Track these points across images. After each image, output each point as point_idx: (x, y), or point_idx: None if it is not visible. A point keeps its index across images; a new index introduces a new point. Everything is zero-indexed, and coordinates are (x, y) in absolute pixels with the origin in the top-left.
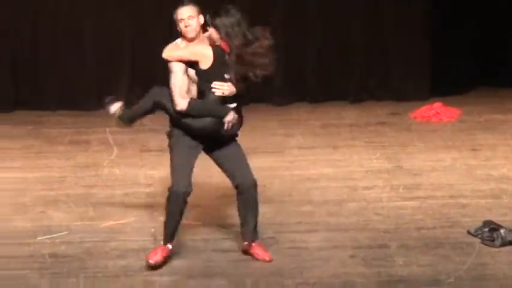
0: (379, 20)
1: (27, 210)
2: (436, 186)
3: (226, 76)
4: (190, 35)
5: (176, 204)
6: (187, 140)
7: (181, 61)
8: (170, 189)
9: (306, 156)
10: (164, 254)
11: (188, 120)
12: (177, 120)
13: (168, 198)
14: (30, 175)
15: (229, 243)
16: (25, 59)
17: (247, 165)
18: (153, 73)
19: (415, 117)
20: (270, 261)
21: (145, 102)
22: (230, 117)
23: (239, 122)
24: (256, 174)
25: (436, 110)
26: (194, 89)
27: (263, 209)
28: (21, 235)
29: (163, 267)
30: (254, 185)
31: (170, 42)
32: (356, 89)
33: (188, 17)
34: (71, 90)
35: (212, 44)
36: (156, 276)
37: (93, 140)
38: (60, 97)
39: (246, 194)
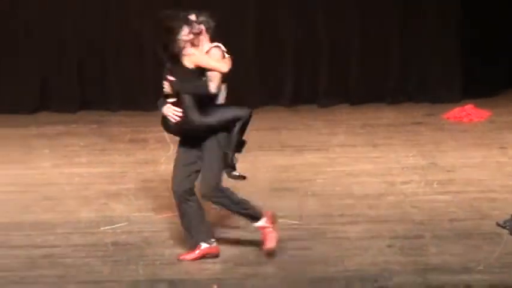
0: (416, 27)
1: (91, 203)
2: (468, 182)
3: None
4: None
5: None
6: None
7: None
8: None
9: (348, 153)
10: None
11: None
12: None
13: None
14: (94, 170)
15: (279, 232)
16: (91, 63)
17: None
18: None
19: (448, 118)
20: None
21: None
22: (164, 111)
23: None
24: (303, 170)
25: (467, 112)
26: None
27: (309, 202)
28: (85, 225)
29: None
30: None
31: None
32: (393, 92)
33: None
34: (130, 92)
35: None
36: (209, 264)
37: (150, 138)
38: (121, 98)
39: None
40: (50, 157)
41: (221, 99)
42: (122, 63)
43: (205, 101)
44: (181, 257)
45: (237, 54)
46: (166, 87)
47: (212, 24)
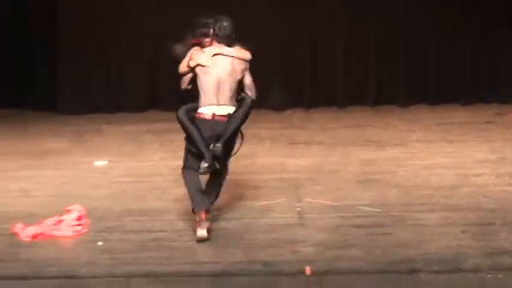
0: (486, 33)
1: None
2: None
3: None
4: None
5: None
6: None
7: None
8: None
9: (425, 148)
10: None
11: None
12: None
13: None
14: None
15: (362, 220)
16: (161, 65)
17: None
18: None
19: None
20: None
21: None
22: None
23: None
24: (385, 163)
25: None
26: None
27: (391, 192)
28: (190, 212)
29: (308, 240)
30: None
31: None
32: (466, 93)
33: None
34: None
35: None
36: (301, 247)
37: (248, 135)
38: None
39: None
40: (158, 151)
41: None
42: None
43: None
44: None
45: (329, 58)
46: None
47: (223, 31)
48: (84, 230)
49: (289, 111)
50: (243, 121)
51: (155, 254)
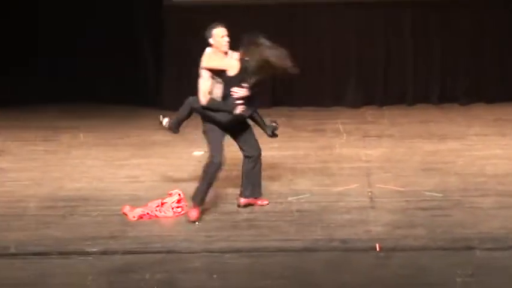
0: None
1: (281, 178)
2: None
3: (243, 84)
4: (228, 48)
5: (214, 173)
6: (216, 129)
7: (213, 69)
8: (211, 162)
9: (482, 141)
10: (199, 212)
11: (213, 115)
12: (207, 116)
13: (208, 169)
14: (284, 153)
15: (425, 203)
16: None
17: (255, 140)
18: (374, 76)
19: None
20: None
21: (184, 109)
22: (238, 110)
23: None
24: (446, 154)
25: None
26: (218, 91)
27: (451, 179)
28: (276, 196)
29: (378, 221)
30: (260, 154)
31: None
32: None
33: (227, 34)
34: (312, 91)
35: (241, 57)
36: (372, 227)
37: (328, 129)
38: (305, 97)
39: (255, 162)
40: None
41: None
42: (305, 68)
43: None
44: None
45: (399, 60)
46: (243, 93)
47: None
48: (183, 212)
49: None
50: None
51: (245, 232)
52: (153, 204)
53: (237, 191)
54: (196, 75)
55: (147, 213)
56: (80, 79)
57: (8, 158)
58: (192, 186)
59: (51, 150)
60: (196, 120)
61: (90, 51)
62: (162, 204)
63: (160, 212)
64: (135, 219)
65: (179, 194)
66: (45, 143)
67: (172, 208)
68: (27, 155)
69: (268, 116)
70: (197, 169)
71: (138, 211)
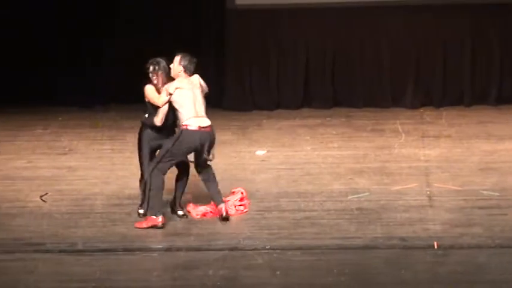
0: None
1: (341, 177)
2: None
3: None
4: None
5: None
6: None
7: None
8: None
9: None
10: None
11: None
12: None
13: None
14: (343, 153)
15: (483, 202)
16: (341, 69)
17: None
18: (432, 78)
19: None
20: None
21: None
22: None
23: None
24: (504, 154)
25: None
26: None
27: (508, 179)
28: (336, 195)
29: (436, 219)
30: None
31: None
32: None
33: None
34: (371, 92)
35: None
36: (430, 225)
37: (387, 129)
38: (364, 98)
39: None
40: (310, 142)
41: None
42: (363, 69)
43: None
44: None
45: (456, 62)
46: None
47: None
48: (246, 209)
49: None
50: None
51: (307, 230)
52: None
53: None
54: (257, 77)
55: (210, 212)
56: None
57: (75, 157)
58: (255, 185)
59: (117, 149)
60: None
61: (154, 53)
62: (225, 202)
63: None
64: (199, 217)
65: (242, 192)
66: (112, 142)
67: (235, 206)
68: (94, 154)
69: (329, 117)
70: (260, 168)
71: (202, 209)
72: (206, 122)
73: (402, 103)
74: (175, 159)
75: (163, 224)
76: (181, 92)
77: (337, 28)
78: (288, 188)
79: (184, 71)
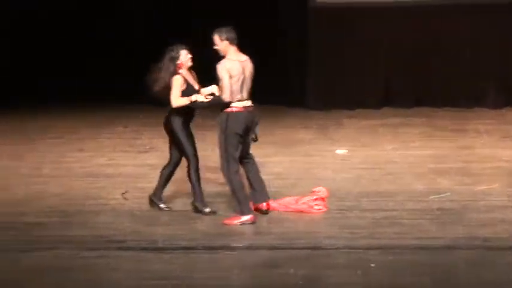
0: None
1: (422, 177)
2: None
3: None
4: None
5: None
6: None
7: None
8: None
9: None
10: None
11: None
12: None
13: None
14: (424, 152)
15: None
16: (422, 69)
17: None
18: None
19: None
20: None
21: None
22: None
23: None
24: None
25: None
26: None
27: None
28: (418, 194)
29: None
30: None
31: None
32: None
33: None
34: (452, 92)
35: None
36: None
37: (469, 129)
38: (446, 97)
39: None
40: (391, 142)
41: None
42: (445, 69)
43: None
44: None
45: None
46: None
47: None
48: (325, 209)
49: None
50: None
51: (388, 229)
52: (298, 200)
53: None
54: (338, 77)
55: (292, 208)
56: None
57: (156, 155)
58: (335, 184)
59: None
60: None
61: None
62: (306, 200)
63: (304, 208)
64: (280, 209)
65: (323, 191)
66: None
67: (316, 204)
68: None
69: (410, 117)
70: (341, 167)
71: (281, 207)
72: (249, 103)
73: (484, 103)
74: (235, 143)
75: (253, 221)
76: (235, 73)
77: (418, 27)
78: (369, 187)
79: (230, 43)
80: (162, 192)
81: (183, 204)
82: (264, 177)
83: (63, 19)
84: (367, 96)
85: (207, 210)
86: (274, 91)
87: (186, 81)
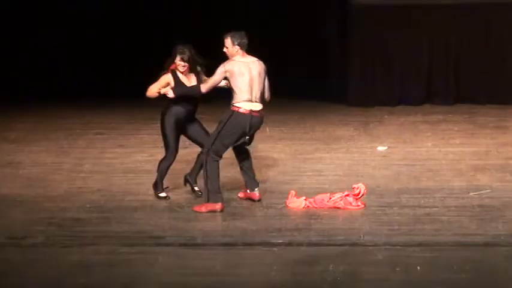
0: None
1: (462, 174)
2: None
3: None
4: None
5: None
6: None
7: None
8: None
9: None
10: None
11: None
12: None
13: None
14: (465, 149)
15: None
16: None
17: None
18: None
19: None
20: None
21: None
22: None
23: None
24: None
25: None
26: None
27: None
28: (457, 191)
29: None
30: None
31: None
32: None
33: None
34: (496, 89)
35: None
36: None
37: (510, 126)
38: (488, 94)
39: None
40: (432, 139)
41: None
42: (486, 66)
43: None
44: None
45: None
46: None
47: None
48: (362, 205)
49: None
50: None
51: (427, 226)
52: (336, 196)
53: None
54: (379, 73)
55: (328, 205)
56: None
57: (196, 150)
58: (375, 180)
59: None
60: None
61: (276, 49)
62: (346, 196)
63: (344, 205)
64: (314, 206)
65: (362, 188)
66: None
67: (356, 201)
68: None
69: (451, 114)
70: (381, 164)
71: (317, 201)
72: (258, 106)
73: None
74: (227, 142)
75: (221, 209)
76: (239, 73)
77: (458, 24)
78: (409, 184)
79: (241, 48)
80: (196, 176)
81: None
82: (304, 174)
83: (111, 18)
84: (408, 93)
85: (163, 195)
86: (314, 88)
87: (175, 81)
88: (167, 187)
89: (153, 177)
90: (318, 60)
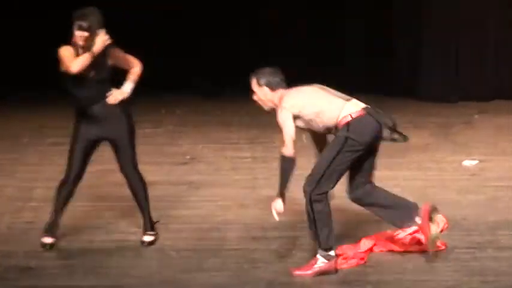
0: None
1: None
2: None
3: None
4: None
5: None
6: None
7: None
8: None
9: None
10: None
11: None
12: None
13: None
14: None
15: None
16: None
17: None
18: None
19: None
20: None
21: None
22: None
23: None
24: None
25: None
26: None
27: None
28: None
29: None
30: None
31: None
32: None
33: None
34: None
35: None
36: None
37: None
38: None
39: None
40: None
41: None
42: None
43: None
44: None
45: None
46: None
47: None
48: (442, 247)
49: None
50: None
51: None
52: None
53: None
54: (465, 57)
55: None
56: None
57: (199, 168)
58: (461, 210)
59: (260, 157)
60: None
61: (346, 40)
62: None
63: (409, 245)
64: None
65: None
66: (252, 146)
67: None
68: (227, 164)
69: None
70: (468, 185)
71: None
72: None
73: None
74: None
75: (336, 269)
76: (300, 95)
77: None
78: (510, 215)
79: (272, 89)
80: None
81: (237, 240)
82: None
83: None
84: (506, 83)
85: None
86: (382, 80)
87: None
88: (157, 221)
89: (134, 205)
90: (387, 52)
